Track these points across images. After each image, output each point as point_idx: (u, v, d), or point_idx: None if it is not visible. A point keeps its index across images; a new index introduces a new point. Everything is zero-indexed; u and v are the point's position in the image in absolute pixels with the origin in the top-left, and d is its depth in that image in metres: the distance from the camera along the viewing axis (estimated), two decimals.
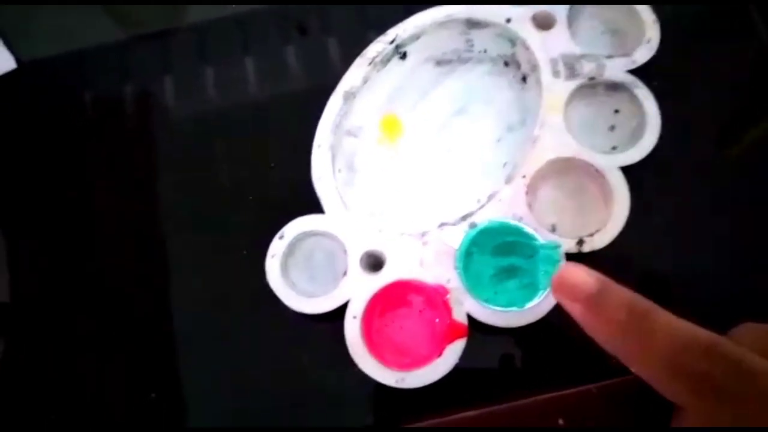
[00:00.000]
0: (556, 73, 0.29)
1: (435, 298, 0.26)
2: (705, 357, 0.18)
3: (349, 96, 0.30)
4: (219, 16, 0.35)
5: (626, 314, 0.19)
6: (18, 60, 0.35)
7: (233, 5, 0.35)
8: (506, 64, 0.31)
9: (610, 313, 0.20)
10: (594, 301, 0.20)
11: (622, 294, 0.20)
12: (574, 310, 0.21)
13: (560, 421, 0.26)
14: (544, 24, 0.30)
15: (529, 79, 0.30)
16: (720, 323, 0.22)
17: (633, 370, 0.20)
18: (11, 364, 0.30)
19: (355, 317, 0.26)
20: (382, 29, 0.31)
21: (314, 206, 0.28)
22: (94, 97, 0.34)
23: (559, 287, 0.21)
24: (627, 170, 0.28)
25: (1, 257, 0.32)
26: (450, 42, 0.31)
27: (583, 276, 0.20)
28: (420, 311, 0.27)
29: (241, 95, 0.33)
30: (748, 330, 0.21)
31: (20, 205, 0.33)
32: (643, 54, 0.29)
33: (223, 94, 0.33)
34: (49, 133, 0.34)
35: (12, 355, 0.30)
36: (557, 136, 0.28)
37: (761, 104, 0.32)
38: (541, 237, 0.26)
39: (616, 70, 0.29)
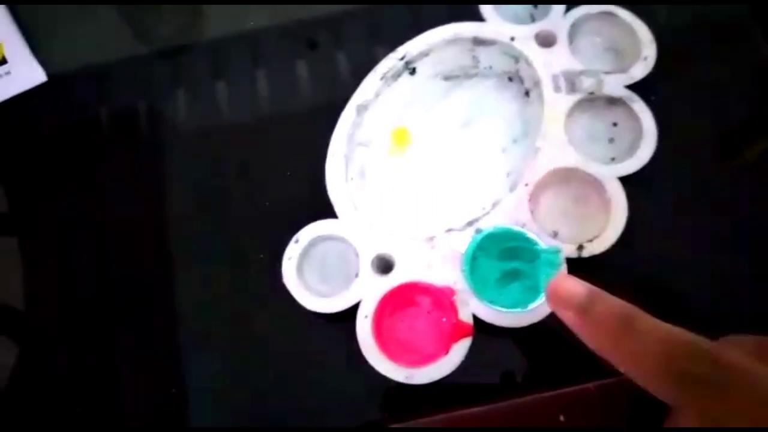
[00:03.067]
0: (557, 88, 0.30)
1: (442, 299, 0.28)
2: (687, 356, 0.19)
3: (362, 109, 0.32)
4: (233, 32, 0.37)
5: (614, 321, 0.21)
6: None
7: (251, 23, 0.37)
8: (510, 79, 0.33)
9: (600, 320, 0.21)
10: (584, 309, 0.22)
11: (609, 302, 0.21)
12: (567, 318, 0.22)
13: (561, 418, 0.28)
14: (546, 42, 0.32)
15: (531, 94, 0.32)
16: (716, 328, 0.23)
17: (623, 372, 0.21)
18: (27, 369, 0.31)
19: (366, 317, 0.28)
20: (390, 44, 0.33)
21: (328, 212, 0.30)
22: (111, 111, 0.36)
23: (553, 297, 0.23)
24: (625, 180, 0.29)
25: (16, 265, 0.33)
26: (457, 59, 0.33)
27: (575, 286, 0.22)
28: (428, 311, 0.28)
29: (256, 109, 0.35)
30: (730, 342, 0.22)
31: (37, 214, 0.34)
32: (640, 70, 0.31)
33: (239, 107, 0.35)
34: (68, 145, 0.35)
35: (27, 359, 0.32)
36: (558, 147, 0.29)
37: (763, 118, 0.33)
38: (543, 242, 0.28)
39: (615, 85, 0.31)
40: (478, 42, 0.32)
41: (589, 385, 0.28)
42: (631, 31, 0.32)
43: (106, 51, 0.37)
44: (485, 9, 0.33)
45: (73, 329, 0.32)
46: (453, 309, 0.28)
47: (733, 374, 0.18)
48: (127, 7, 0.38)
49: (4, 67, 0.35)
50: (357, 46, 0.35)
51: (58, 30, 0.38)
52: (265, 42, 0.37)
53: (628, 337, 0.20)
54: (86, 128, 0.36)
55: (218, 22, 0.38)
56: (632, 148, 0.30)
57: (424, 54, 0.32)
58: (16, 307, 0.33)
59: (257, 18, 0.37)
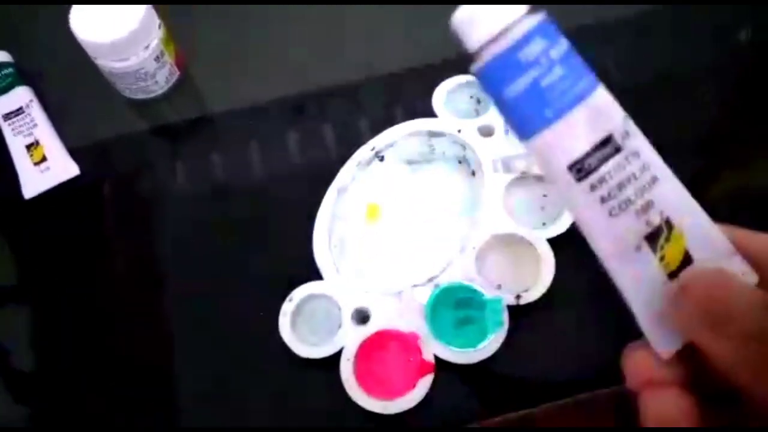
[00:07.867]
0: (496, 170, 0.38)
1: (409, 342, 0.34)
2: None
3: (341, 191, 0.39)
4: (226, 108, 0.44)
5: None
6: None
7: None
8: (459, 162, 0.40)
9: None
10: None
11: None
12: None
13: None
14: (486, 132, 0.39)
15: (477, 174, 0.39)
16: None
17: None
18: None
19: (348, 360, 0.34)
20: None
21: (315, 274, 0.37)
22: (114, 184, 0.42)
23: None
24: (555, 240, 0.36)
25: (26, 329, 0.39)
26: (417, 147, 0.41)
27: None
28: (398, 353, 0.35)
29: (248, 184, 0.42)
30: None
31: (46, 282, 0.40)
32: None
33: (231, 180, 0.42)
34: (71, 218, 0.42)
35: (38, 421, 0.37)
36: (498, 216, 0.37)
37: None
38: (489, 293, 0.35)
39: None
40: (433, 134, 0.40)
41: (533, 410, 0.34)
42: None
43: (109, 129, 0.44)
44: (437, 106, 0.41)
45: (83, 401, 0.37)
46: (418, 350, 0.34)
47: None
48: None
49: (45, 164, 0.42)
50: (341, 118, 0.43)
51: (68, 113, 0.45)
52: (256, 117, 0.44)
53: None
54: (89, 200, 0.42)
55: (213, 101, 0.45)
56: (559, 215, 0.37)
57: (390, 145, 0.40)
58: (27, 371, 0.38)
59: (251, 92, 0.44)
